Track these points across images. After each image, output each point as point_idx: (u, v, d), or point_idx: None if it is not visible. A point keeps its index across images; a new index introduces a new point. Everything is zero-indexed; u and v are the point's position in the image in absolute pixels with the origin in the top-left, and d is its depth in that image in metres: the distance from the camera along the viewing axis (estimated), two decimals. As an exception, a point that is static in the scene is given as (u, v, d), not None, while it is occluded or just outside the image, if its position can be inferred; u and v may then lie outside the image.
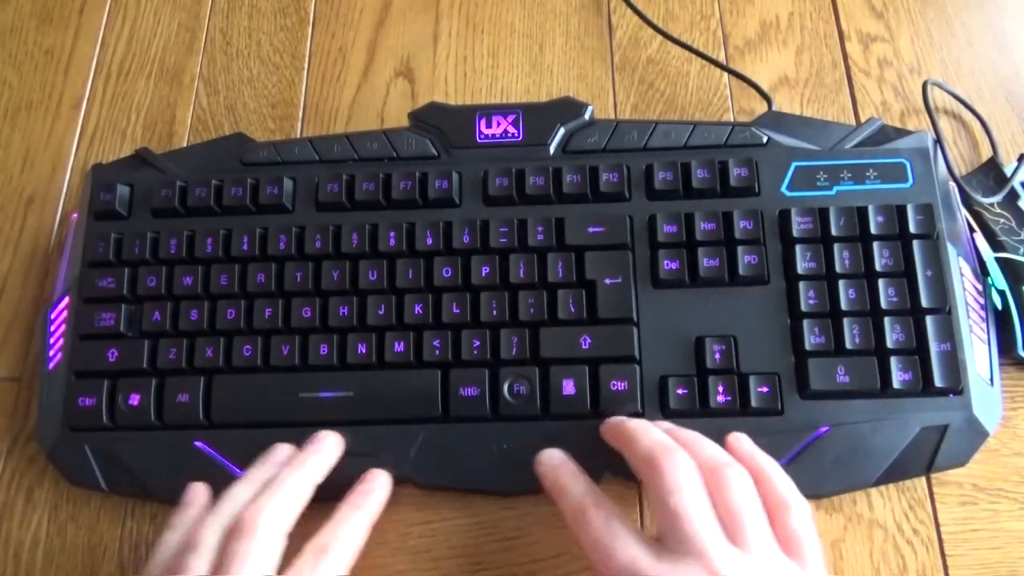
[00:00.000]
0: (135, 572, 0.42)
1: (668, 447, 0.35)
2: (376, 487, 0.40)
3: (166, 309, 0.44)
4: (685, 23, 0.54)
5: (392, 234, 0.44)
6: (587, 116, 0.47)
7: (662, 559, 0.32)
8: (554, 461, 0.39)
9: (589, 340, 0.42)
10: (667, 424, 0.39)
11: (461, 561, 0.41)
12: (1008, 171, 0.47)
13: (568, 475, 0.38)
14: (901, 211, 0.43)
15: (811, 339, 0.41)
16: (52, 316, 0.45)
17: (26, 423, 0.46)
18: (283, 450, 0.40)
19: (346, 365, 0.42)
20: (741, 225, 0.43)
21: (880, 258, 0.42)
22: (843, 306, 0.41)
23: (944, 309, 0.41)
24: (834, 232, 0.43)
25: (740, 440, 0.39)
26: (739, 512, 0.33)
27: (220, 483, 0.41)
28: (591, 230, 0.44)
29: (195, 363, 0.43)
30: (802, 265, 0.42)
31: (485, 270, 0.43)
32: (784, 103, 0.51)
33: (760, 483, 0.35)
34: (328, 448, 0.40)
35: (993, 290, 0.44)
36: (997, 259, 0.45)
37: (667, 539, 0.33)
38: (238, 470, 0.42)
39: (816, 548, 0.34)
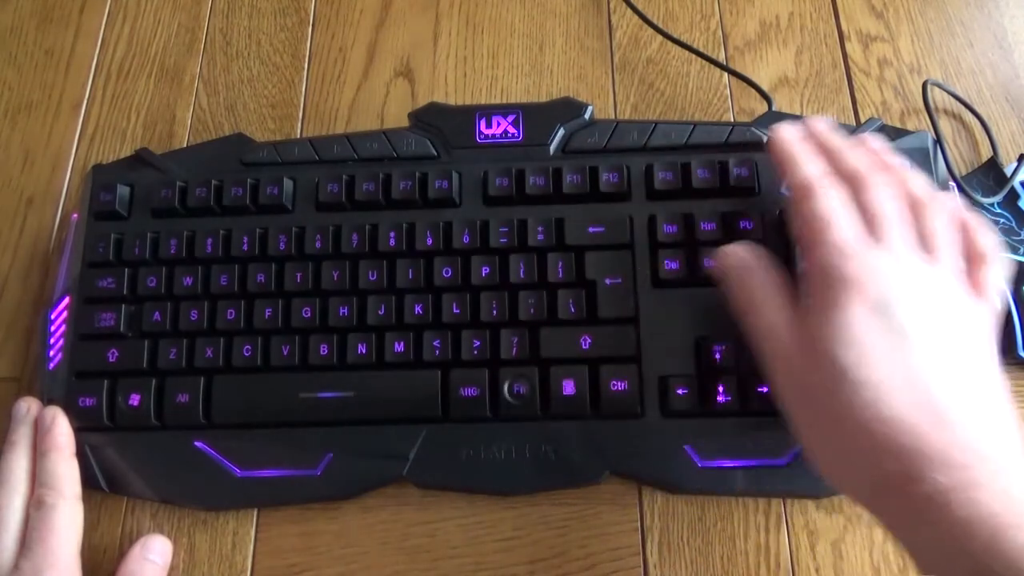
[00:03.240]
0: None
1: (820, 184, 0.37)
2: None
3: (166, 309, 0.44)
4: (685, 23, 0.54)
5: (392, 234, 0.44)
6: (587, 116, 0.47)
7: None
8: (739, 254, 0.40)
9: (589, 340, 0.42)
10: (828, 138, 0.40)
11: (461, 561, 0.41)
12: (1008, 171, 0.47)
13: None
14: (901, 211, 0.43)
15: (811, 339, 0.41)
16: (52, 316, 0.45)
17: (26, 423, 0.45)
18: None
19: (346, 365, 0.42)
20: (741, 225, 0.43)
21: (880, 258, 0.42)
22: (843, 306, 0.41)
23: (944, 309, 0.41)
24: (834, 232, 0.42)
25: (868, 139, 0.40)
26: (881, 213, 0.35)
27: (220, 484, 0.42)
28: (591, 230, 0.44)
29: (195, 363, 0.43)
30: (802, 265, 0.42)
31: (485, 270, 0.43)
32: (784, 103, 0.51)
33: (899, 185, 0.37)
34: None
35: (993, 290, 0.44)
36: (997, 259, 0.44)
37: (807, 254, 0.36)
38: (238, 470, 0.42)
39: (950, 244, 0.36)
